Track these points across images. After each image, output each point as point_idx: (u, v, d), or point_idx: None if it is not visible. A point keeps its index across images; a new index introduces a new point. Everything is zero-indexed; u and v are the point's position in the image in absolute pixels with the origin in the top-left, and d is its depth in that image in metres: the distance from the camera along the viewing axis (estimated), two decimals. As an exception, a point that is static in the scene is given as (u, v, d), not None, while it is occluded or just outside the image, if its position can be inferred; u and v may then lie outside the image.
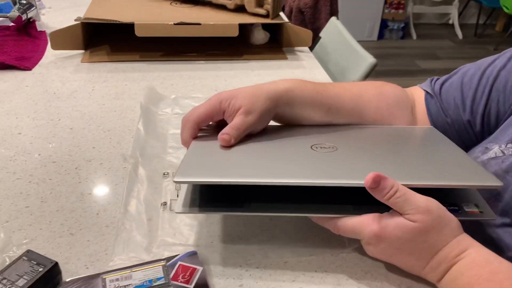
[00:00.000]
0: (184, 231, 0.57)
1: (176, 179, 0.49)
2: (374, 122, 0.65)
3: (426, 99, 0.67)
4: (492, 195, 0.54)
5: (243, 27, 1.11)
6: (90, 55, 1.10)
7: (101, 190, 0.64)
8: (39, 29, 1.22)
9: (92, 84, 0.96)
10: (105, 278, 0.48)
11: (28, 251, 0.49)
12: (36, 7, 1.23)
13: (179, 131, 0.77)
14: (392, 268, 0.51)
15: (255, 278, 0.50)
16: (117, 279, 0.48)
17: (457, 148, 0.58)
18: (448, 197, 0.51)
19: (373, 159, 0.54)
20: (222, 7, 1.18)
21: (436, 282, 0.48)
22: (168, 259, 0.51)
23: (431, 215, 0.45)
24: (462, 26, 4.31)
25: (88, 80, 0.98)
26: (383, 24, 4.01)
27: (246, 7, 1.14)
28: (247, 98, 0.57)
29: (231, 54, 1.14)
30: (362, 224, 0.47)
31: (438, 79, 0.69)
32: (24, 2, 1.20)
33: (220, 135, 0.56)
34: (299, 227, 0.58)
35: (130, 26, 1.04)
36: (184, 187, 0.54)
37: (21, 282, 0.46)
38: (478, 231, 0.55)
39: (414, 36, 4.16)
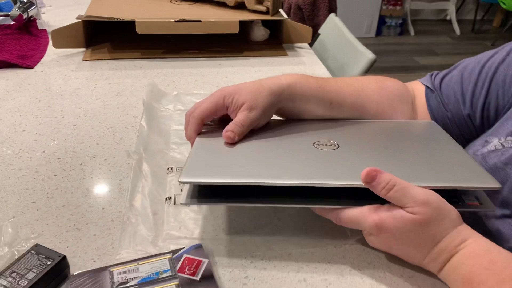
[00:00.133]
0: (189, 224, 0.58)
1: (181, 180, 0.50)
2: (375, 116, 0.65)
3: (426, 94, 0.68)
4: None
5: (243, 24, 1.12)
6: (92, 53, 1.10)
7: (106, 186, 0.65)
8: (40, 27, 1.22)
9: (94, 82, 0.96)
10: (112, 271, 0.49)
11: (36, 245, 0.50)
12: (36, 6, 1.23)
13: (181, 127, 0.79)
14: (394, 258, 0.52)
15: (260, 269, 0.51)
16: (124, 272, 0.49)
17: (457, 146, 0.58)
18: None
19: (374, 158, 0.55)
20: (222, 4, 1.19)
21: (437, 272, 0.49)
22: (174, 252, 0.52)
23: (430, 207, 0.46)
24: (459, 22, 4.32)
25: (90, 78, 0.98)
26: (381, 21, 4.02)
27: (246, 4, 1.15)
28: (250, 93, 0.58)
29: (231, 51, 1.15)
30: (364, 214, 0.48)
31: (438, 73, 0.70)
32: (25, 0, 1.20)
33: (224, 132, 0.57)
34: (302, 219, 0.58)
35: (131, 24, 1.04)
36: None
37: (30, 275, 0.46)
38: (478, 223, 0.56)
39: (412, 32, 4.17)
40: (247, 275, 0.50)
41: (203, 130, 0.61)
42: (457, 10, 4.38)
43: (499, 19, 4.42)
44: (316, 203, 0.51)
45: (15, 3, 1.21)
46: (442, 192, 0.48)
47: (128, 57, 1.09)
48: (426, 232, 0.47)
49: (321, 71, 1.07)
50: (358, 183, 0.48)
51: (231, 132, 0.57)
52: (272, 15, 1.14)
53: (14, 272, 0.47)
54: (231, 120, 0.59)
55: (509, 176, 0.54)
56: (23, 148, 0.73)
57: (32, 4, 1.21)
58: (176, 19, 1.06)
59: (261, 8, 1.14)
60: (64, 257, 0.49)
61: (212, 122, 0.63)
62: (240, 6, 1.17)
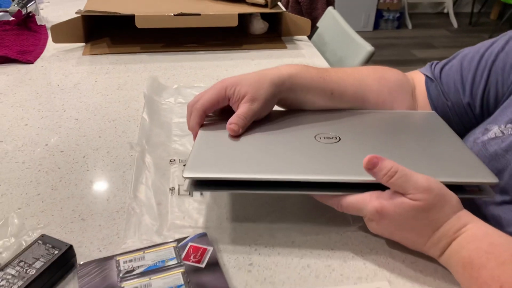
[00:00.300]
0: (193, 214, 0.58)
1: (185, 175, 0.51)
2: (376, 106, 0.66)
3: (426, 83, 0.68)
4: None
5: (242, 17, 1.12)
6: (91, 48, 1.10)
7: (109, 177, 0.65)
8: (39, 23, 1.23)
9: (95, 76, 0.97)
10: (119, 260, 0.50)
11: (43, 235, 0.51)
12: (35, 1, 1.23)
13: (182, 119, 0.79)
14: (396, 245, 0.53)
15: (264, 256, 0.52)
16: (130, 260, 0.50)
17: (457, 138, 0.59)
18: None
19: (373, 151, 0.55)
20: (221, -3, 1.19)
21: (438, 257, 0.49)
22: (179, 240, 0.53)
23: (431, 194, 0.47)
24: (457, 15, 4.32)
25: (91, 72, 0.99)
26: (379, 14, 4.02)
27: (245, -3, 1.15)
28: (251, 85, 0.58)
29: (230, 44, 1.15)
30: (365, 200, 0.49)
31: (437, 63, 0.70)
32: (23, -4, 1.20)
33: (228, 125, 0.57)
34: (305, 208, 0.59)
35: (130, 18, 1.05)
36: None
37: (38, 265, 0.47)
38: (479, 210, 0.57)
39: (410, 25, 4.17)
40: (251, 262, 0.51)
41: (205, 122, 0.61)
42: (454, 3, 4.38)
43: (496, 12, 4.42)
44: (318, 190, 0.52)
45: (14, -2, 1.21)
46: None
47: (127, 51, 1.09)
48: (427, 218, 0.47)
49: (320, 63, 1.08)
50: (358, 178, 0.49)
51: (235, 125, 0.57)
52: (271, 8, 1.14)
53: (22, 261, 0.47)
54: (232, 111, 0.60)
55: (509, 163, 0.55)
56: (26, 142, 0.73)
57: (30, -1, 1.22)
58: (175, 13, 1.06)
59: (260, 1, 1.14)
60: (71, 246, 0.50)
61: (214, 113, 0.63)
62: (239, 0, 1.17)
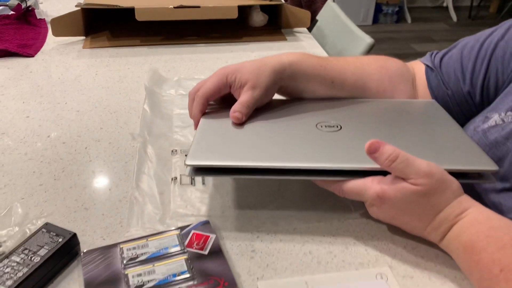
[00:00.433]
0: (196, 203, 0.59)
1: (188, 163, 0.51)
2: (376, 95, 0.66)
3: (426, 72, 0.69)
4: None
5: (241, 10, 1.12)
6: (91, 41, 1.10)
7: (111, 168, 0.66)
8: (38, 17, 1.22)
9: (96, 69, 0.97)
10: (122, 247, 0.50)
11: (47, 224, 0.51)
12: (34, -5, 1.23)
13: (183, 111, 0.80)
14: (397, 231, 0.53)
15: (266, 243, 0.52)
16: (134, 248, 0.50)
17: (457, 127, 0.59)
18: None
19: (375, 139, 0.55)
20: (221, -10, 1.19)
21: (438, 242, 0.50)
22: (181, 228, 0.53)
23: (432, 179, 0.47)
24: (456, 8, 4.31)
25: (91, 65, 0.99)
26: (378, 8, 4.01)
27: (244, -11, 1.15)
28: (252, 72, 0.58)
29: (230, 37, 1.15)
30: (366, 185, 0.49)
31: (437, 52, 0.71)
32: (23, -10, 1.20)
33: (232, 113, 0.58)
34: (306, 197, 0.60)
35: (130, 11, 1.05)
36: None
37: (42, 252, 0.47)
38: (479, 197, 0.57)
39: (409, 19, 4.16)
40: (254, 249, 0.52)
41: (206, 110, 0.61)
42: (454, -3, 4.37)
43: (495, 5, 4.41)
44: (319, 175, 0.52)
45: (13, -8, 1.21)
46: None
47: (128, 44, 1.09)
48: (428, 202, 0.48)
49: (320, 55, 1.08)
50: (360, 165, 0.50)
51: (239, 113, 0.57)
52: (271, 0, 1.14)
53: (26, 249, 0.48)
54: (232, 99, 0.60)
55: (509, 151, 0.55)
56: (28, 134, 0.73)
57: (30, -7, 1.21)
58: (175, 6, 1.06)
59: (260, -7, 1.14)
60: (75, 234, 0.50)
61: (215, 102, 0.63)
62: (239, -8, 1.17)
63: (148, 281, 0.46)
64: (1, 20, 1.18)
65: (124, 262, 0.48)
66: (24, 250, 0.48)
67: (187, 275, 0.46)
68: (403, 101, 0.67)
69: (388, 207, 0.49)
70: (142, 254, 0.49)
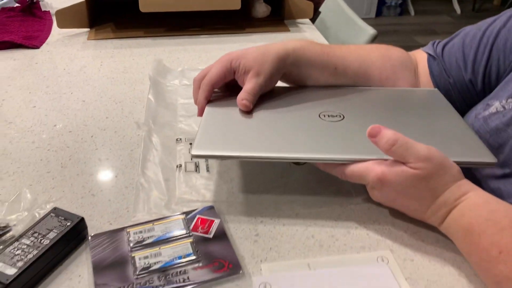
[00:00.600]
0: (200, 189, 0.60)
1: (193, 153, 0.52)
2: (379, 82, 0.67)
3: (428, 61, 0.69)
4: (493, 148, 0.57)
5: (244, 1, 1.13)
6: (96, 33, 1.11)
7: (117, 156, 0.67)
8: (43, 9, 1.23)
9: (100, 60, 0.98)
10: (129, 231, 0.52)
11: (55, 208, 0.52)
12: (39, -12, 1.24)
13: (187, 100, 0.81)
14: (398, 216, 0.54)
15: (270, 227, 0.53)
16: (140, 232, 0.51)
17: (458, 117, 0.60)
18: None
19: None
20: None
21: (438, 225, 0.50)
22: (187, 213, 0.54)
23: (431, 163, 0.48)
24: (460, 1, 4.29)
25: (96, 56, 1.00)
26: (381, 1, 4.00)
27: (247, -19, 1.16)
28: (256, 58, 0.59)
29: (233, 28, 1.16)
30: (367, 169, 0.50)
31: (439, 41, 0.71)
32: (28, -18, 1.21)
33: (240, 101, 0.59)
34: (309, 183, 0.61)
35: (134, 3, 1.05)
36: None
37: (51, 235, 0.49)
38: (480, 183, 0.58)
39: (412, 12, 4.15)
40: (257, 232, 0.53)
41: (211, 98, 0.62)
42: (458, -11, 4.35)
43: (499, -3, 4.39)
44: (322, 159, 0.53)
45: (18, -15, 1.22)
46: None
47: (132, 35, 1.10)
48: (427, 186, 0.48)
49: (323, 46, 1.08)
50: (362, 156, 0.51)
51: (246, 101, 0.58)
52: (274, -8, 1.15)
53: (36, 232, 0.49)
54: (236, 87, 0.61)
55: (510, 137, 0.56)
56: (35, 123, 0.74)
57: (34, -14, 1.22)
58: (179, -3, 1.07)
59: (263, -16, 1.14)
60: (82, 218, 0.51)
61: (219, 89, 0.64)
62: (242, -17, 1.17)
63: (155, 263, 0.47)
64: (7, 12, 1.19)
65: (131, 245, 0.50)
66: (33, 233, 0.49)
67: (193, 257, 0.48)
68: (405, 89, 0.68)
69: (388, 191, 0.50)
70: (148, 237, 0.51)
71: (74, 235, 0.50)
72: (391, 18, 4.09)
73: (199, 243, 0.50)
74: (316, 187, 0.60)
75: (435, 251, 0.50)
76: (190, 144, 0.69)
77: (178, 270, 0.47)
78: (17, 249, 0.47)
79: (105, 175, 0.63)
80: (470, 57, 0.65)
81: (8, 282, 0.43)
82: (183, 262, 0.47)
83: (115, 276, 0.46)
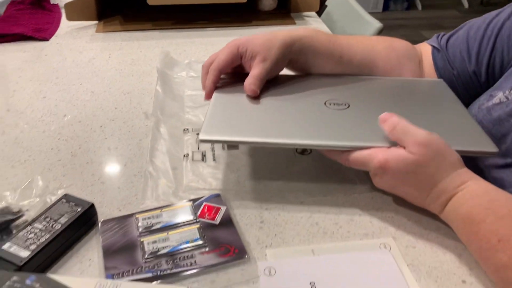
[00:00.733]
0: (207, 178, 0.61)
1: (201, 137, 0.53)
2: (383, 72, 0.68)
3: (433, 53, 0.70)
4: (496, 138, 0.57)
5: (251, -6, 1.14)
6: (104, 25, 1.13)
7: (126, 145, 0.68)
8: (52, 2, 1.25)
9: (109, 52, 0.99)
10: (138, 217, 0.53)
11: (66, 195, 0.54)
12: (48, -19, 1.25)
13: (194, 92, 0.82)
14: (401, 205, 0.55)
15: (275, 215, 0.55)
16: (149, 217, 0.53)
17: (461, 107, 0.61)
18: None
19: None
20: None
21: (439, 213, 0.51)
22: (194, 200, 0.55)
23: (428, 149, 0.49)
24: (468, -5, 4.27)
25: (104, 49, 1.01)
26: (388, -5, 3.99)
27: (254, -26, 1.17)
28: (263, 44, 0.60)
29: (240, 21, 1.17)
30: (371, 156, 0.51)
31: (444, 34, 0.72)
32: (37, -25, 1.22)
33: (247, 86, 0.60)
34: (313, 173, 0.62)
35: (142, -5, 1.07)
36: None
37: (62, 220, 0.50)
38: (482, 172, 0.59)
39: (419, 6, 4.13)
40: (262, 219, 0.54)
41: (218, 84, 0.63)
42: (465, -17, 4.32)
43: (508, -8, 4.35)
44: (327, 145, 0.54)
45: (27, -22, 1.23)
46: None
47: (139, 28, 1.12)
48: (425, 172, 0.49)
49: (329, 39, 1.09)
50: (366, 143, 0.52)
51: (253, 86, 0.60)
52: (280, -15, 1.15)
53: (47, 217, 0.50)
54: (242, 73, 0.62)
55: None
56: (45, 113, 0.76)
57: (43, -21, 1.24)
58: (186, -10, 1.08)
59: (269, -22, 1.15)
60: (92, 204, 0.53)
61: (226, 75, 0.65)
62: (248, -23, 1.18)
63: (163, 248, 0.49)
64: (16, 5, 1.21)
65: (140, 230, 0.51)
66: (45, 218, 0.50)
67: (200, 242, 0.49)
68: (410, 79, 0.69)
69: (389, 177, 0.51)
70: (156, 223, 0.52)
71: (84, 220, 0.52)
72: (398, 12, 4.07)
73: (206, 229, 0.51)
74: (321, 176, 0.61)
75: (437, 238, 0.51)
76: (197, 134, 0.70)
77: (186, 254, 0.48)
78: (30, 233, 0.48)
79: (114, 164, 0.64)
80: (474, 48, 0.66)
81: (21, 263, 0.45)
82: (190, 247, 0.49)
83: (124, 260, 0.48)
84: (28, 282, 0.38)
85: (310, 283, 0.46)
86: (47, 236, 0.48)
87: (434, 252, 0.50)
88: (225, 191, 0.58)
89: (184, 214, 0.53)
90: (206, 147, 0.67)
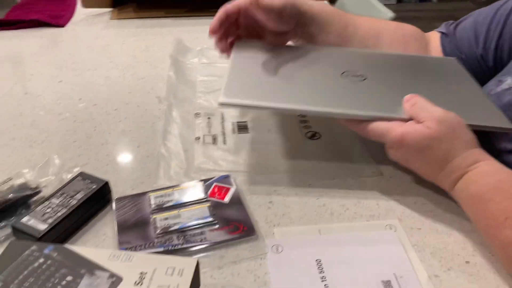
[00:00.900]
0: (218, 160, 0.62)
1: (221, 100, 0.54)
2: (389, 46, 0.69)
3: (441, 39, 0.71)
4: None
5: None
6: (118, 13, 1.15)
7: (140, 128, 0.70)
8: (67, -11, 1.27)
9: (123, 39, 1.01)
10: (150, 195, 0.55)
11: (82, 173, 0.56)
12: (64, -32, 1.27)
13: (206, 78, 0.84)
14: (408, 189, 0.56)
15: (283, 196, 0.56)
16: (161, 196, 0.55)
17: (475, 85, 0.62)
18: None
19: (398, 91, 0.57)
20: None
21: (449, 190, 0.52)
22: (204, 180, 0.57)
23: (444, 125, 0.50)
24: (484, -13, 4.21)
25: (119, 35, 1.03)
26: (403, -13, 3.95)
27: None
28: None
29: (252, 10, 1.17)
30: (390, 128, 0.52)
31: (453, 22, 0.73)
32: (53, -37, 1.24)
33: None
34: (322, 156, 0.63)
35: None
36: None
37: (78, 196, 0.52)
38: (495, 157, 0.59)
39: (434, -2, 4.09)
40: (271, 200, 0.55)
41: (237, 43, 0.65)
42: (482, -25, 4.26)
43: (525, -16, 4.28)
44: (347, 114, 0.55)
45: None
46: None
47: (153, 15, 1.13)
48: (439, 148, 0.50)
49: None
50: (386, 114, 0.53)
51: None
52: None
53: (64, 193, 0.52)
54: (256, 30, 0.64)
55: None
56: (62, 96, 0.78)
57: (60, -34, 1.25)
58: (199, -22, 1.09)
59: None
60: (107, 182, 0.55)
61: (244, 36, 0.66)
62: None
63: (174, 224, 0.50)
64: (33, -8, 1.23)
65: (152, 207, 0.53)
66: (62, 194, 0.52)
67: (210, 219, 0.51)
68: (425, 56, 0.70)
69: (404, 151, 0.52)
70: (168, 201, 0.54)
71: (99, 196, 0.54)
72: (413, 4, 4.03)
73: (216, 208, 0.53)
74: (329, 160, 0.62)
75: (443, 221, 0.52)
76: (208, 118, 0.71)
77: (196, 231, 0.50)
78: (47, 208, 0.50)
79: (128, 145, 0.66)
80: (482, 32, 0.66)
81: (40, 235, 0.47)
82: (200, 224, 0.50)
83: (137, 235, 0.50)
84: (46, 251, 0.40)
85: (316, 261, 0.47)
86: (64, 210, 0.50)
87: (439, 234, 0.51)
88: (235, 173, 0.60)
89: (195, 193, 0.55)
90: (217, 130, 0.68)
